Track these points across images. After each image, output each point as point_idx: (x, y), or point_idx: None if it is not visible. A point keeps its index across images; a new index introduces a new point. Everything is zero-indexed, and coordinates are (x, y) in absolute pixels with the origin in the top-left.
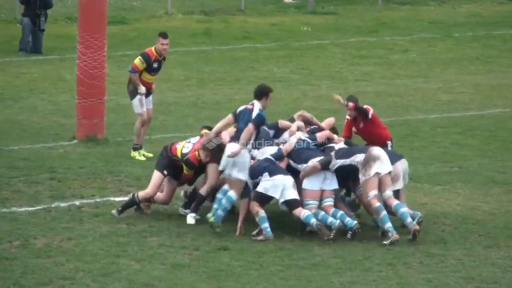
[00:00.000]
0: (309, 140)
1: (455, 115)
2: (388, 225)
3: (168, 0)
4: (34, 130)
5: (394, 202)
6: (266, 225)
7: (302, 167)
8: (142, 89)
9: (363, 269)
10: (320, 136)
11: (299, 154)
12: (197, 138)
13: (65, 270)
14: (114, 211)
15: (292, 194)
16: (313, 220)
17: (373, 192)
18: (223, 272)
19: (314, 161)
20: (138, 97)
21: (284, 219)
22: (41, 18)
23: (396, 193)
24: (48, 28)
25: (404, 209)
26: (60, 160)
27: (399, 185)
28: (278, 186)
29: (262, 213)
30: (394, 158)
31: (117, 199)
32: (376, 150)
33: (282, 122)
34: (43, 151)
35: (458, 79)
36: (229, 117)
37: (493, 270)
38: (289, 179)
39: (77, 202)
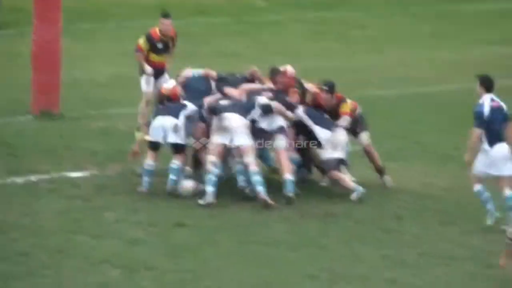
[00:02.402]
0: None
1: (412, 91)
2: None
3: None
4: None
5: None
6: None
7: None
8: (148, 69)
9: (319, 246)
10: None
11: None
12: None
13: (20, 246)
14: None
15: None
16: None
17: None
18: (179, 248)
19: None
20: (144, 76)
21: (241, 196)
22: None
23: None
24: (4, 2)
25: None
26: (15, 135)
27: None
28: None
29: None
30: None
31: (73, 174)
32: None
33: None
34: None
35: (415, 55)
36: None
37: (449, 246)
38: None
39: (33, 178)
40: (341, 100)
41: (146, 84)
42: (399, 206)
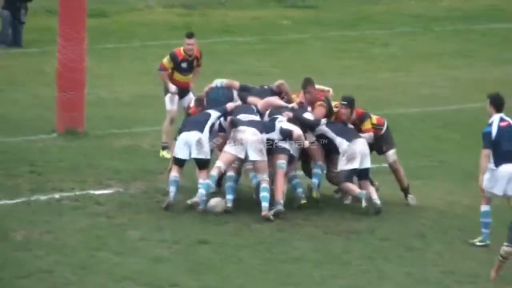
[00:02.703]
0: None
1: (435, 109)
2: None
3: None
4: (14, 123)
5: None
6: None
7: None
8: (172, 87)
9: (342, 262)
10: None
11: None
12: None
13: (44, 263)
14: None
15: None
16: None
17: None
18: (202, 266)
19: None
20: (169, 94)
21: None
22: (21, 10)
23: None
24: (28, 21)
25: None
26: (40, 153)
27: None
28: None
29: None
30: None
31: (97, 192)
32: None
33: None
34: (23, 144)
35: (439, 73)
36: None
37: (472, 264)
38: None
39: (56, 195)
40: (363, 116)
41: (171, 103)
42: (423, 224)
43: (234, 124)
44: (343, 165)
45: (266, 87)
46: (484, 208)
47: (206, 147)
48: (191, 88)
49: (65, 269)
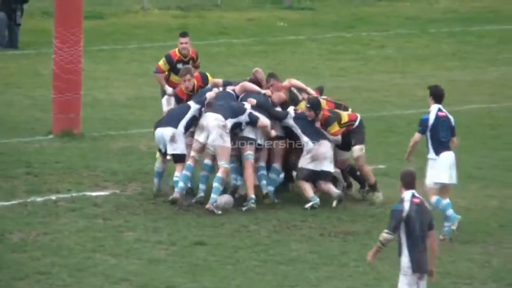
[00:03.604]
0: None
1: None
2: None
3: None
4: (11, 124)
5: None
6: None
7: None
8: (168, 89)
9: (339, 264)
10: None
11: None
12: None
13: (41, 265)
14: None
15: None
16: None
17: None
18: (199, 267)
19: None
20: (166, 96)
21: (260, 214)
22: (17, 12)
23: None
24: (24, 23)
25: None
26: (36, 154)
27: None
28: None
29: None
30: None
31: (93, 193)
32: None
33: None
34: (19, 146)
35: (434, 75)
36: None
37: (470, 266)
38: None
39: (53, 197)
40: (327, 120)
41: (167, 104)
42: None
43: (206, 108)
44: (305, 163)
45: (248, 79)
46: (434, 198)
47: (180, 141)
48: None
49: (62, 270)
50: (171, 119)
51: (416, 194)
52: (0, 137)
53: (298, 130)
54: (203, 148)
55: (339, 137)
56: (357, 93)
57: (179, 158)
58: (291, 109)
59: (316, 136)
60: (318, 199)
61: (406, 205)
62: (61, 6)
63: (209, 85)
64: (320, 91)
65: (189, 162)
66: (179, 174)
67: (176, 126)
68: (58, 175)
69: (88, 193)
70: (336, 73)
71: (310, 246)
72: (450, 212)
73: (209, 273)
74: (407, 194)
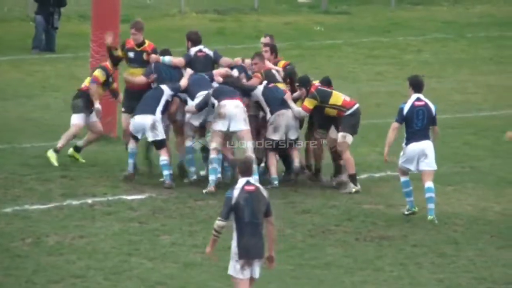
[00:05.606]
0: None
1: (468, 116)
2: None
3: None
4: (47, 128)
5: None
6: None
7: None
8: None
9: (374, 268)
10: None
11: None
12: None
13: (76, 268)
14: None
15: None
16: None
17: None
18: None
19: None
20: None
21: (295, 219)
22: (55, 16)
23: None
24: (61, 26)
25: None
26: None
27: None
28: None
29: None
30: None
31: (129, 197)
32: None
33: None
34: None
35: (471, 80)
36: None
37: (505, 271)
38: None
39: (89, 200)
40: (309, 95)
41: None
42: (455, 230)
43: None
44: (269, 134)
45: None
46: (403, 178)
47: (160, 127)
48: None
49: (97, 274)
50: (147, 106)
51: (252, 181)
52: (37, 140)
53: (263, 102)
54: (224, 136)
55: (303, 112)
56: (394, 98)
57: (160, 144)
58: (264, 82)
59: (278, 106)
60: (277, 181)
61: (236, 193)
62: (98, 10)
63: (172, 62)
64: (327, 82)
65: (213, 155)
66: (166, 157)
67: (153, 113)
68: (94, 178)
69: (124, 197)
70: (373, 78)
71: (345, 250)
72: (406, 190)
73: None
74: (240, 182)
